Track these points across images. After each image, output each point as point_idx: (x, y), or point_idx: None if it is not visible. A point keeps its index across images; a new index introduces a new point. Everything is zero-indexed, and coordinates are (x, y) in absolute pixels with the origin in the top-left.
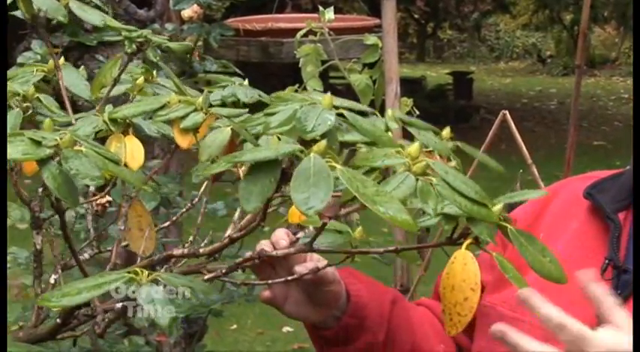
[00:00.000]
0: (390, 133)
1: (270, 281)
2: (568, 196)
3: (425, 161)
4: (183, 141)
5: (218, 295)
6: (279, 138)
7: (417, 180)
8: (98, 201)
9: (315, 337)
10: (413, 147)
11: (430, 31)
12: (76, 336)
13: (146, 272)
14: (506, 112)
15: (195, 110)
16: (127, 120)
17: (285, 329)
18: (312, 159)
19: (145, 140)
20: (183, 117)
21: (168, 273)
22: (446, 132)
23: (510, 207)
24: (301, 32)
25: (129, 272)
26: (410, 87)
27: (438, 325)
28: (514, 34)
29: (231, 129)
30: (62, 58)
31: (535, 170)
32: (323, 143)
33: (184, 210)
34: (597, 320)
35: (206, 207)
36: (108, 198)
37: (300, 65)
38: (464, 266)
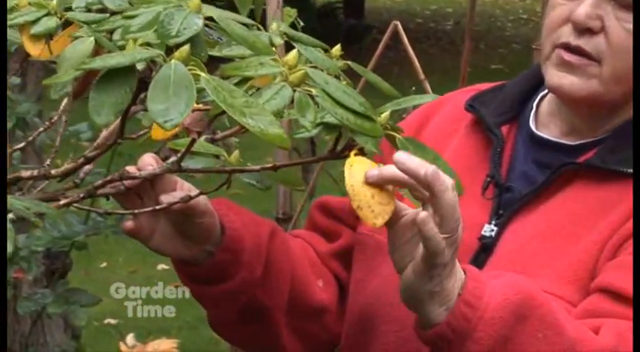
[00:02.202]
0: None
1: (136, 211)
2: (451, 110)
3: (303, 70)
4: (34, 49)
5: (82, 226)
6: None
7: (295, 91)
8: None
9: (185, 276)
10: (290, 55)
11: None
12: None
13: None
14: (398, 23)
15: (48, 14)
16: None
17: (161, 266)
18: (173, 66)
19: None
20: (33, 22)
21: (10, 196)
22: (336, 49)
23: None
24: None
25: None
26: (296, 3)
27: (314, 259)
28: None
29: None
30: None
31: (428, 86)
32: (186, 48)
33: (41, 129)
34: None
35: (67, 129)
36: None
37: None
38: (363, 165)
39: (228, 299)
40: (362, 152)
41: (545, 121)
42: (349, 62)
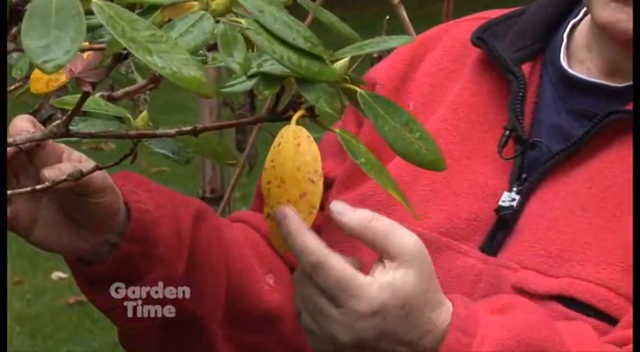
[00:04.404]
0: None
1: (9, 192)
2: (450, 45)
3: None
4: None
5: None
6: None
7: (218, 22)
8: None
9: (82, 276)
10: None
11: None
12: None
13: None
14: None
15: None
16: None
17: (56, 275)
18: None
19: None
20: None
21: None
22: None
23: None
24: None
25: None
26: None
27: (262, 247)
28: None
29: None
30: None
31: (404, 12)
32: None
33: None
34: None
35: None
36: None
37: None
38: (297, 149)
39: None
40: (311, 112)
41: (581, 57)
42: None
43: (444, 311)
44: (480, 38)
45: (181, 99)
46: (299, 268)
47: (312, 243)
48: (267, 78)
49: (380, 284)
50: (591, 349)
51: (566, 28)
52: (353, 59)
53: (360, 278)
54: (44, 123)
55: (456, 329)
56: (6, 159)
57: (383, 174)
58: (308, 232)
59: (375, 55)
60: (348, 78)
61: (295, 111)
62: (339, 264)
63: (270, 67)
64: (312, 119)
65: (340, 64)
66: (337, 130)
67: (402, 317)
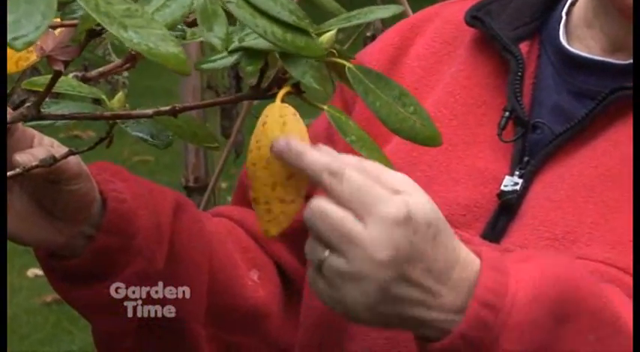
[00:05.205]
0: None
1: None
2: (441, 27)
3: None
4: None
5: None
6: None
7: None
8: None
9: (54, 273)
10: None
11: None
12: None
13: None
14: None
15: None
16: None
17: (32, 272)
18: None
19: None
20: None
21: None
22: None
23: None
24: None
25: None
26: None
27: (246, 242)
28: None
29: None
30: None
31: None
32: None
33: None
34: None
35: None
36: None
37: None
38: (282, 128)
39: (119, 305)
40: (297, 89)
41: (581, 34)
42: None
43: (469, 249)
44: (475, 17)
45: (165, 83)
46: (310, 205)
47: (325, 156)
48: (250, 53)
49: (400, 198)
50: (624, 299)
51: (564, 5)
52: (348, 37)
53: (381, 187)
54: (16, 109)
55: (489, 268)
56: (6, 156)
57: (375, 152)
58: (314, 149)
59: (368, 34)
60: (335, 51)
61: (280, 88)
62: (359, 173)
63: (253, 41)
64: (299, 95)
65: (327, 36)
66: (325, 107)
67: (429, 238)
